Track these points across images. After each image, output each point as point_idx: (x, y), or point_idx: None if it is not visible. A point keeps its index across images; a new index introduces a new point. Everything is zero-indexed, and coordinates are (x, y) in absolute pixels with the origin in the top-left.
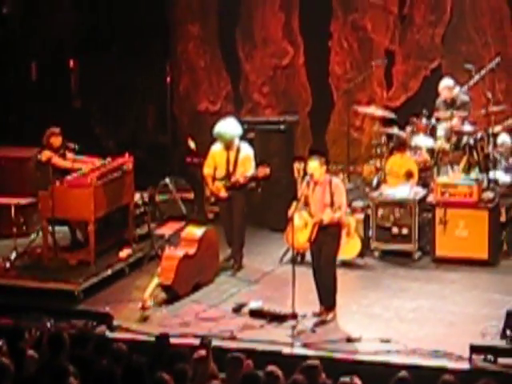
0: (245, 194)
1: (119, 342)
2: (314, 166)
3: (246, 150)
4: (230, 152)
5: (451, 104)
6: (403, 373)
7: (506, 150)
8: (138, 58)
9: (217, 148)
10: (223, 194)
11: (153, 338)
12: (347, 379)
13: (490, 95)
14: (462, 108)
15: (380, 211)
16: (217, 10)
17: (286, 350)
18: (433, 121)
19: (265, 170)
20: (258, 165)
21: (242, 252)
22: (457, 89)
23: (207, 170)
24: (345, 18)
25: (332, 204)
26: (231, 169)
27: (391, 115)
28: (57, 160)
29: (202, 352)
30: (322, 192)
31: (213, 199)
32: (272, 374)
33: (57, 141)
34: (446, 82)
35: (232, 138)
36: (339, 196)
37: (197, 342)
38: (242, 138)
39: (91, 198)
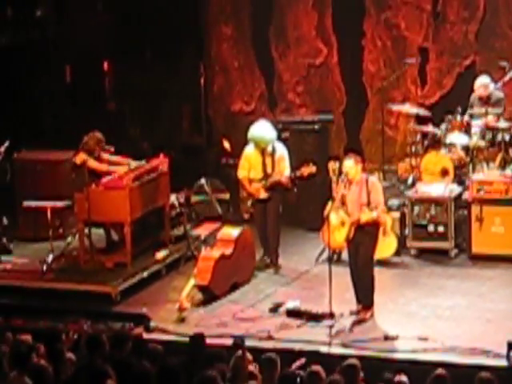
0: (281, 194)
1: (155, 343)
2: (349, 164)
3: (281, 150)
4: (266, 154)
5: (486, 101)
6: (440, 370)
7: None
8: (172, 60)
9: (251, 150)
10: (263, 195)
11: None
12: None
13: None
14: (497, 105)
15: (416, 209)
16: (249, 11)
17: (324, 350)
18: (467, 118)
19: (310, 169)
20: (300, 164)
21: (277, 252)
22: (491, 85)
23: (243, 173)
24: (378, 16)
25: (369, 203)
26: (269, 170)
27: (426, 113)
28: (92, 163)
29: (240, 353)
30: (358, 191)
31: (249, 202)
32: (316, 374)
33: (96, 146)
34: (483, 80)
35: (267, 143)
36: (376, 194)
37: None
38: (277, 138)
39: (127, 200)
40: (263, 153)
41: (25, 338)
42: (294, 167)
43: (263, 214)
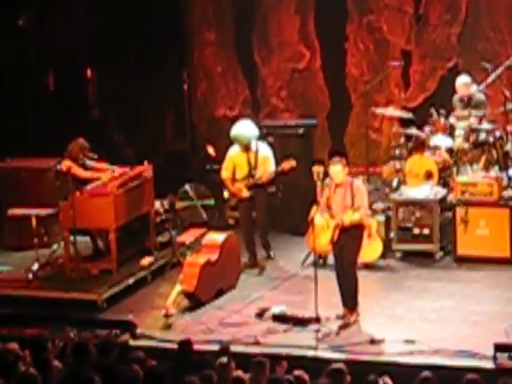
0: (267, 192)
1: (139, 350)
2: (338, 169)
3: (265, 150)
4: (250, 153)
5: (468, 102)
6: (427, 373)
7: None
8: (155, 66)
9: (234, 150)
10: (245, 193)
11: (176, 346)
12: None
13: (507, 93)
14: (478, 107)
15: (401, 212)
16: (232, 16)
17: (311, 354)
18: (451, 120)
19: (290, 163)
20: (281, 159)
21: (269, 243)
22: (474, 87)
23: (226, 174)
24: (360, 20)
25: (353, 206)
26: (252, 168)
27: (409, 116)
28: (76, 170)
29: (224, 359)
30: (343, 194)
31: (232, 202)
32: (299, 378)
33: (81, 153)
34: (463, 79)
35: (249, 140)
36: (360, 198)
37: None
38: (261, 138)
39: (112, 207)
40: (247, 152)
41: (12, 346)
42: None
43: (249, 213)
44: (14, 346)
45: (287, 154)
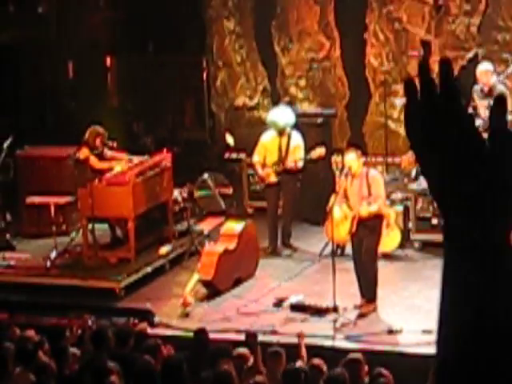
0: (295, 180)
1: (159, 338)
2: (351, 158)
3: (297, 139)
4: (282, 139)
5: (488, 93)
6: None
7: None
8: (175, 55)
9: (267, 137)
10: (273, 178)
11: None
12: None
13: None
14: None
15: (419, 202)
16: (252, 5)
17: (328, 344)
18: (469, 110)
19: (319, 151)
20: (309, 147)
21: (290, 233)
22: (494, 78)
23: (257, 158)
24: (380, 10)
25: (370, 196)
26: (283, 155)
27: None
28: (93, 161)
29: (242, 349)
30: (359, 184)
31: (259, 187)
32: (317, 367)
33: (97, 140)
34: (486, 66)
35: (285, 126)
36: (376, 188)
37: (238, 337)
38: (295, 129)
39: (130, 196)
40: (280, 139)
41: (30, 334)
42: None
43: (275, 199)
44: (31, 333)
45: (319, 142)
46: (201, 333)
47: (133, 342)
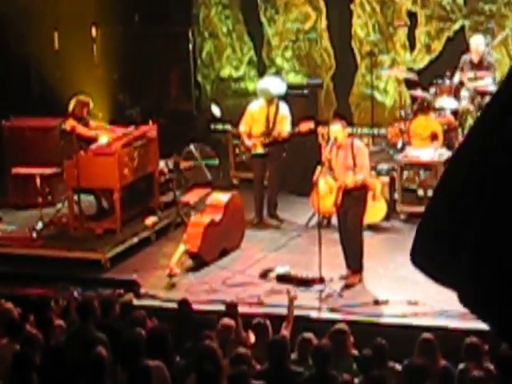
0: (281, 150)
1: (140, 309)
2: (337, 129)
3: (285, 110)
4: (270, 109)
5: (477, 65)
6: (427, 334)
7: None
8: (160, 26)
9: (255, 106)
10: (259, 149)
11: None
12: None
13: None
14: (489, 69)
15: (405, 173)
16: None
17: (314, 315)
18: (454, 80)
19: (308, 125)
20: (300, 120)
21: (276, 203)
22: (484, 49)
23: (244, 127)
24: None
25: (355, 167)
26: (270, 125)
27: (415, 77)
28: (81, 129)
29: (227, 321)
30: (344, 155)
31: (244, 157)
32: (307, 342)
33: (84, 110)
34: (480, 39)
35: (274, 95)
36: (361, 158)
37: (224, 308)
38: (283, 100)
39: (116, 166)
40: (268, 108)
41: (8, 305)
42: (293, 124)
43: (261, 170)
44: (9, 305)
45: (308, 116)
46: (184, 304)
47: (118, 312)
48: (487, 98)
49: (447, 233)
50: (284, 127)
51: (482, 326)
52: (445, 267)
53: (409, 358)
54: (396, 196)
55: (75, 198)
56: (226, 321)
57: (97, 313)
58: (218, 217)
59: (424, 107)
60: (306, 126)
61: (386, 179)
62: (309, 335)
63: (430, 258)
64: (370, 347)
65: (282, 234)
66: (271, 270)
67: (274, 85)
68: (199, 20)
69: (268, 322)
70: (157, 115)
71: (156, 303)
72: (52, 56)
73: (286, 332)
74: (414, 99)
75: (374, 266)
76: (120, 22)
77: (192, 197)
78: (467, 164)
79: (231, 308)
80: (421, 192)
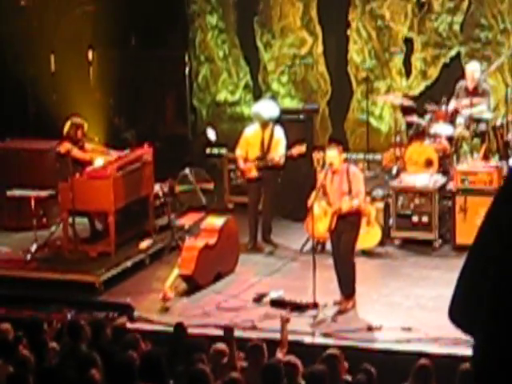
0: (276, 175)
1: (134, 332)
2: (333, 154)
3: (279, 134)
4: (265, 133)
5: (472, 91)
6: (424, 360)
7: None
8: (157, 50)
9: (250, 130)
10: (253, 173)
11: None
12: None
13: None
14: (484, 96)
15: (400, 199)
16: (235, 0)
17: (308, 340)
18: (450, 107)
19: (300, 148)
20: (291, 144)
21: (270, 228)
22: (479, 76)
23: (239, 151)
24: (363, 7)
25: (350, 192)
26: (265, 150)
27: (410, 103)
28: (76, 152)
29: (219, 345)
30: (339, 181)
31: (240, 181)
32: (290, 364)
33: (79, 133)
34: (476, 66)
35: (270, 119)
36: (357, 184)
37: (218, 332)
38: (278, 124)
39: (111, 189)
40: (263, 132)
41: (4, 327)
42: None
43: (256, 195)
44: (7, 326)
45: (299, 139)
46: (179, 327)
47: (110, 335)
48: (482, 125)
49: (470, 297)
50: (279, 151)
51: None
52: (471, 326)
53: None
54: (390, 222)
55: (70, 220)
56: (219, 345)
57: (87, 334)
58: (212, 241)
59: (419, 133)
60: (297, 150)
61: (381, 205)
62: (293, 358)
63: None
64: (362, 372)
65: (276, 259)
66: (265, 295)
67: (266, 108)
68: (195, 44)
69: (264, 346)
70: (152, 139)
71: (149, 327)
72: (48, 78)
73: (280, 356)
74: (409, 125)
75: (367, 291)
76: (116, 45)
77: (187, 220)
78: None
79: (228, 332)
80: (415, 218)
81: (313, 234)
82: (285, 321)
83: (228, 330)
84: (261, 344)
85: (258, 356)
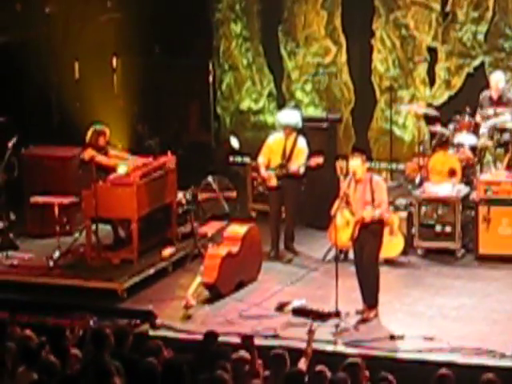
0: (298, 184)
1: (156, 339)
2: (356, 164)
3: (302, 144)
4: (288, 142)
5: (496, 101)
6: (444, 370)
7: None
8: (181, 57)
9: (274, 138)
10: (273, 182)
11: (195, 336)
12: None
13: None
14: (508, 105)
15: (423, 209)
16: (259, 9)
17: (329, 349)
18: (476, 118)
19: (317, 159)
20: (310, 154)
21: (293, 236)
22: (504, 86)
23: (262, 159)
24: (387, 16)
25: (373, 201)
26: (286, 158)
27: (434, 113)
28: (100, 159)
29: (242, 353)
30: (362, 190)
31: (261, 188)
32: (320, 374)
33: (102, 140)
34: (500, 75)
35: (295, 126)
36: (380, 193)
37: (240, 340)
38: (301, 134)
39: (134, 197)
40: (286, 141)
41: (28, 333)
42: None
43: (278, 203)
44: (30, 333)
45: (318, 150)
46: (211, 336)
47: (132, 343)
48: (506, 135)
49: None
50: (300, 161)
51: (499, 362)
52: None
53: None
54: (413, 231)
55: (93, 227)
56: (241, 353)
57: (111, 342)
58: (235, 249)
59: (443, 143)
60: (314, 161)
61: (404, 214)
62: (321, 367)
63: None
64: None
65: (299, 268)
66: (287, 304)
67: (291, 116)
68: (219, 52)
69: (286, 354)
70: (176, 146)
71: (171, 334)
72: (72, 86)
73: (303, 365)
74: (432, 135)
75: (390, 300)
76: (140, 52)
77: (209, 229)
78: None
79: (247, 340)
80: (438, 228)
81: (336, 243)
82: (311, 331)
83: (247, 338)
84: (283, 353)
85: (280, 365)
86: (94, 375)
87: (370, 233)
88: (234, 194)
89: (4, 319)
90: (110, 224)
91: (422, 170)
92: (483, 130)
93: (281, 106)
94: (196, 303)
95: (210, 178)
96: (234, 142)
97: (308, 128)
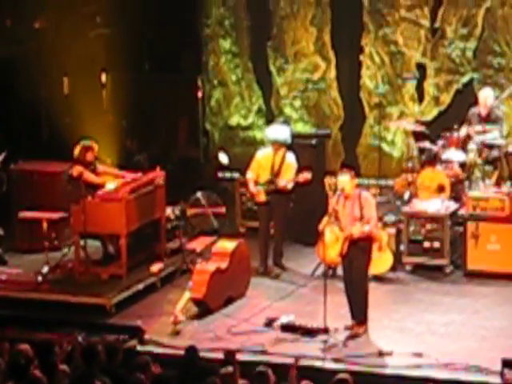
0: (287, 200)
1: (145, 355)
2: (345, 180)
3: (291, 159)
4: (276, 157)
5: (485, 118)
6: None
7: None
8: (170, 73)
9: (262, 153)
10: (262, 197)
11: (183, 352)
12: None
13: None
14: (496, 122)
15: (412, 225)
16: (248, 25)
17: (318, 365)
18: (460, 132)
19: (306, 176)
20: (298, 170)
21: (282, 253)
22: (492, 103)
23: (250, 174)
24: (376, 32)
25: (362, 218)
26: (275, 173)
27: (423, 129)
28: (88, 175)
29: (231, 368)
30: (351, 206)
31: (250, 204)
32: None
33: (90, 155)
34: (489, 92)
35: (284, 141)
36: (369, 209)
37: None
38: (290, 150)
39: (123, 212)
40: (274, 157)
41: (24, 347)
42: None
43: (267, 219)
44: (26, 346)
45: (306, 166)
46: (191, 350)
47: (121, 359)
48: (494, 151)
49: None
50: (288, 176)
51: (488, 379)
52: None
53: None
54: (402, 247)
55: (81, 242)
56: (230, 368)
57: (102, 358)
58: (223, 265)
59: (432, 159)
60: (302, 177)
61: (393, 230)
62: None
63: None
64: None
65: (287, 284)
66: (276, 319)
67: (281, 132)
68: (208, 68)
69: (270, 372)
70: (164, 162)
71: (160, 350)
72: (61, 101)
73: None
74: (421, 151)
75: (378, 316)
76: (130, 68)
77: (198, 244)
78: None
79: (230, 355)
80: (427, 244)
81: (324, 259)
82: (295, 362)
83: (229, 353)
84: (266, 371)
85: (262, 382)
86: None
87: (358, 249)
88: (222, 209)
89: None
90: (98, 239)
91: (410, 186)
92: (472, 146)
93: (270, 121)
94: (185, 319)
95: (198, 194)
96: (223, 158)
97: (297, 144)
